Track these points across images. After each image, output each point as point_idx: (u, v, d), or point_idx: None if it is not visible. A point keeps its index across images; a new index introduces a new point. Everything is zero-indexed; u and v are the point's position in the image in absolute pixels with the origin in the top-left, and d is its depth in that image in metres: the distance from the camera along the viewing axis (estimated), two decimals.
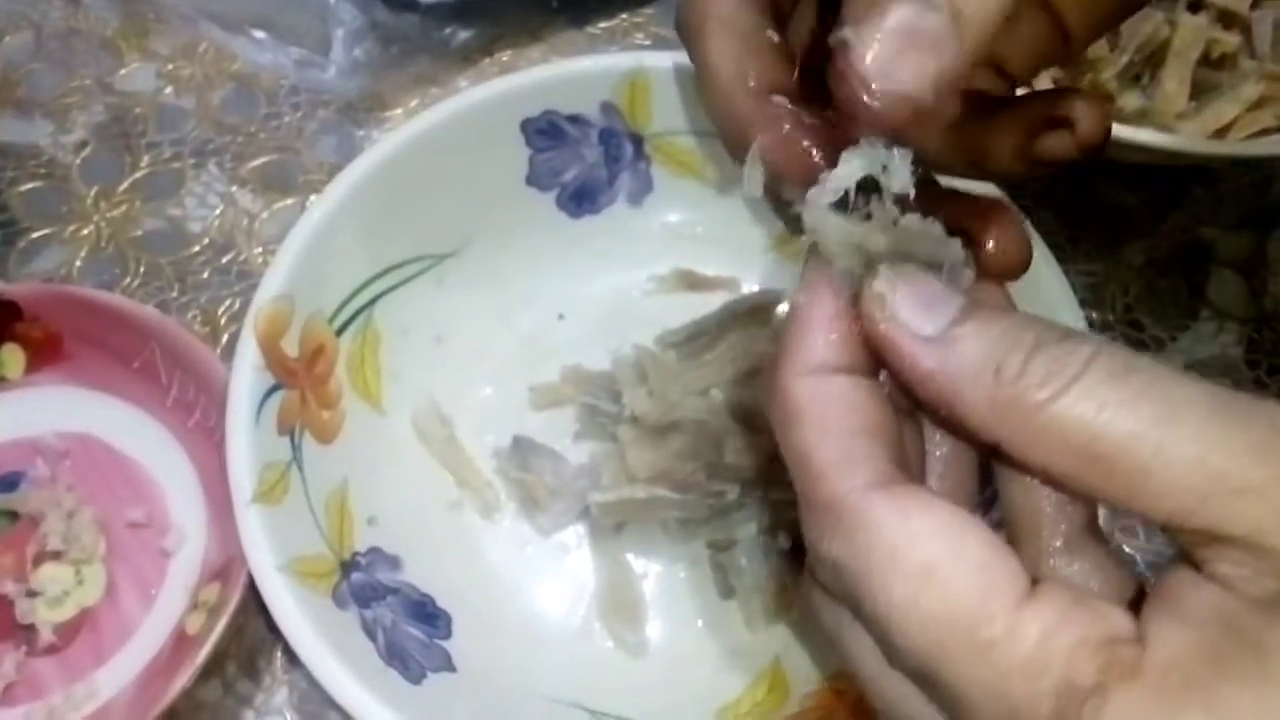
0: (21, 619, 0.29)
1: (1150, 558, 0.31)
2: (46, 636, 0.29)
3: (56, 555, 0.30)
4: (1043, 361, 0.14)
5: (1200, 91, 0.36)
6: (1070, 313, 0.28)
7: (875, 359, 0.16)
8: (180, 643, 0.28)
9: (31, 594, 0.29)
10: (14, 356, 0.32)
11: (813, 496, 0.16)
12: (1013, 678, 0.13)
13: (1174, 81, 0.35)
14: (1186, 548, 0.14)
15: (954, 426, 0.16)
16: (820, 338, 0.16)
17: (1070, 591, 0.14)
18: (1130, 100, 0.35)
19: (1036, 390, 0.14)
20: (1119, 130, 0.31)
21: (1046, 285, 0.29)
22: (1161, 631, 0.13)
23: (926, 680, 0.15)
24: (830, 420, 0.16)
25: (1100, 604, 0.14)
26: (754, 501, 0.30)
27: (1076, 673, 0.13)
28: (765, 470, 0.30)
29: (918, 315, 0.16)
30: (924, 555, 0.14)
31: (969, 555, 0.14)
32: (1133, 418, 0.14)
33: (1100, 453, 0.14)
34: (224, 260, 0.35)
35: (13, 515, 0.30)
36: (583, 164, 0.34)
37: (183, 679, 0.26)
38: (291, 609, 0.24)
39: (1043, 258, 0.29)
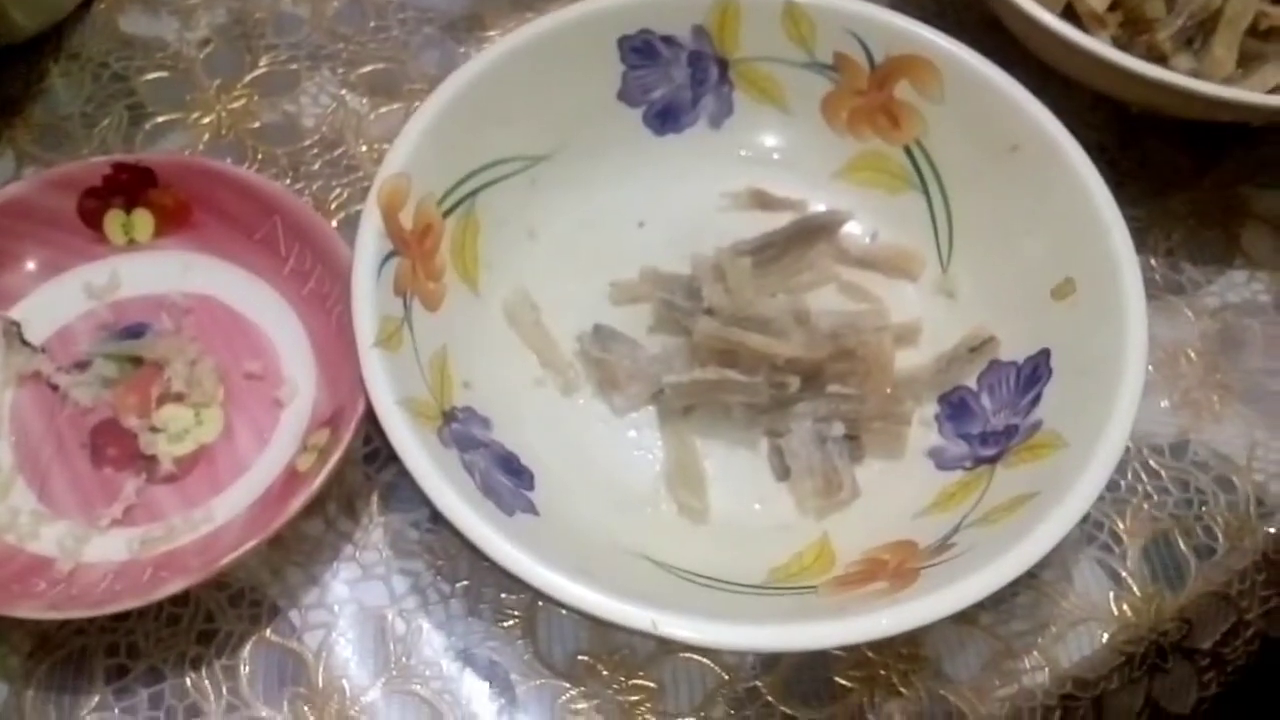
0: (144, 450, 0.32)
1: (1176, 473, 0.34)
2: (167, 466, 0.32)
3: (179, 398, 0.33)
4: None
5: (1247, 60, 0.38)
6: (1121, 236, 0.31)
7: None
8: (291, 479, 0.31)
9: (154, 430, 0.32)
10: (145, 220, 0.35)
11: None
12: None
13: (1223, 47, 0.38)
14: None
15: None
16: None
17: None
18: (1182, 61, 0.38)
19: None
20: (1174, 78, 0.34)
21: (1102, 211, 0.31)
22: None
23: None
24: None
25: None
26: (811, 395, 0.33)
27: None
28: (823, 366, 0.33)
29: None
30: None
31: None
32: None
33: None
34: (334, 154, 0.38)
35: (138, 361, 0.33)
36: (670, 84, 0.37)
37: (294, 506, 0.29)
38: (408, 434, 0.27)
39: (1096, 186, 0.32)
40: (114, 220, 0.35)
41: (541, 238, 0.36)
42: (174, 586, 0.27)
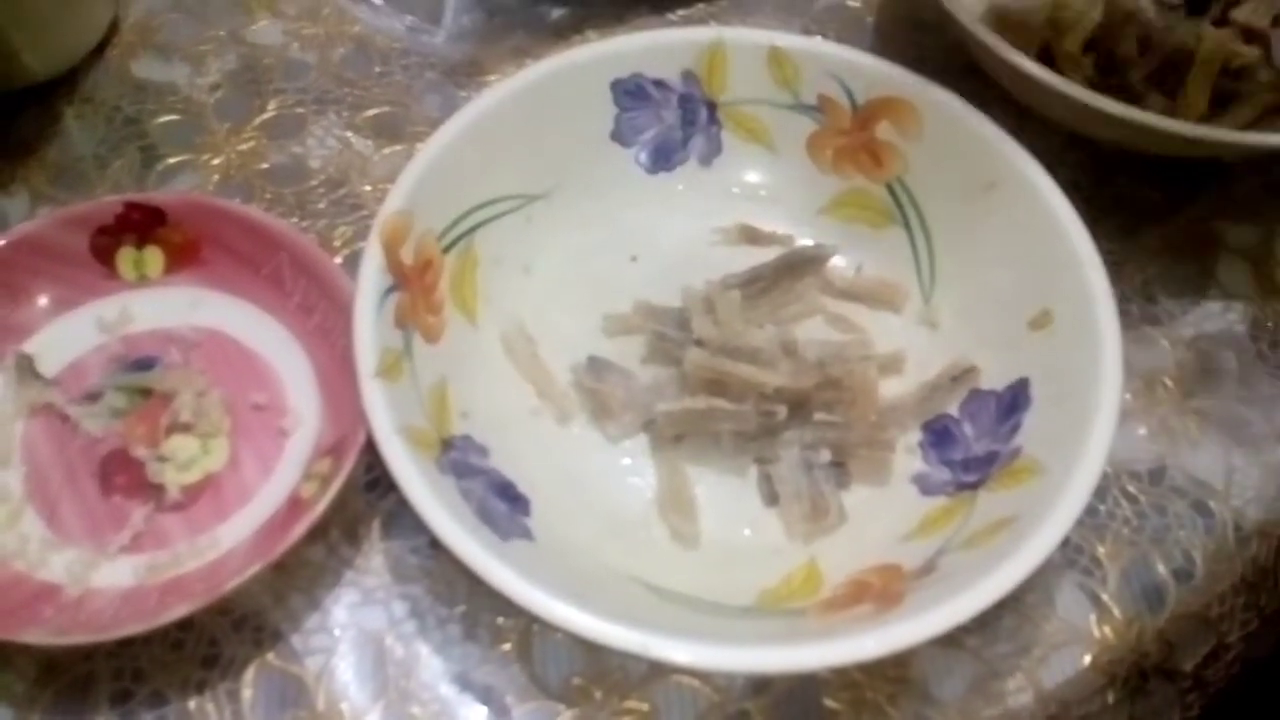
0: (152, 479, 0.33)
1: (1154, 499, 0.34)
2: (174, 495, 0.33)
3: (186, 428, 0.34)
4: None
5: (1219, 99, 0.40)
6: (1095, 269, 0.32)
7: None
8: (294, 506, 0.32)
9: (162, 459, 0.33)
10: (155, 258, 0.36)
11: None
12: None
13: (1196, 87, 0.39)
14: None
15: None
16: None
17: None
18: (1155, 101, 0.39)
19: None
20: (1148, 118, 0.35)
21: (1077, 245, 0.33)
22: None
23: None
24: None
25: None
26: (798, 423, 0.34)
27: None
28: (810, 395, 0.34)
29: None
30: None
31: None
32: None
33: None
34: (339, 193, 0.40)
35: (148, 392, 0.35)
36: (661, 125, 0.38)
37: (297, 532, 0.29)
38: (406, 461, 0.28)
39: (1070, 221, 0.33)
40: (126, 257, 0.36)
41: (538, 273, 0.37)
42: (179, 611, 0.28)
